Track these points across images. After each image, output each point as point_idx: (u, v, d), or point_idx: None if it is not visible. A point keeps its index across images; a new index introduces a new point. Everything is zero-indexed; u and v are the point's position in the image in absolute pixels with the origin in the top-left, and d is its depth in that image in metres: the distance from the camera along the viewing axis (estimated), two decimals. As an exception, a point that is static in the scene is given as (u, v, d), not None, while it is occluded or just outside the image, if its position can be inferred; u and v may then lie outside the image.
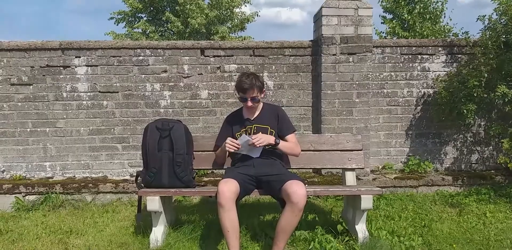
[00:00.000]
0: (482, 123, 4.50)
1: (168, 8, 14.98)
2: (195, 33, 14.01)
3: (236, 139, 2.79)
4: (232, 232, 2.43)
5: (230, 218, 2.44)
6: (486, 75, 3.81)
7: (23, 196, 4.04)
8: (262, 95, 2.89)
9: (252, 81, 2.77)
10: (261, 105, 2.98)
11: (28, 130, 4.30)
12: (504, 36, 3.79)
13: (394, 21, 12.12)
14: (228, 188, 2.47)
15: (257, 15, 15.55)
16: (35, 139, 4.32)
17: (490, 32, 3.92)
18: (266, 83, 4.32)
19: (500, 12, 3.89)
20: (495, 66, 3.78)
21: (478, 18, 4.06)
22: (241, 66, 4.37)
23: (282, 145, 2.83)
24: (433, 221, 3.30)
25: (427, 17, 11.31)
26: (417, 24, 11.17)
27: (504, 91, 3.71)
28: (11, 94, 4.26)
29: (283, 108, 4.21)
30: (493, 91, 3.82)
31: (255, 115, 2.94)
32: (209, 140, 3.23)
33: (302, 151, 3.19)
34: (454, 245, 2.77)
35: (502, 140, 3.83)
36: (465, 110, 3.99)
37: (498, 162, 3.97)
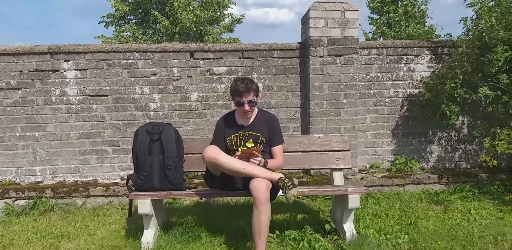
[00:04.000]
0: (466, 122, 4.60)
1: (158, 9, 14.94)
2: (185, 34, 14.00)
3: (227, 143, 2.92)
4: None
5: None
6: (461, 77, 3.92)
7: (13, 201, 4.03)
8: (257, 99, 2.93)
9: (247, 84, 2.80)
10: (255, 110, 3.00)
11: (17, 134, 4.29)
12: (483, 38, 3.88)
13: (379, 20, 12.35)
14: (212, 148, 2.70)
15: (243, 17, 15.68)
16: (25, 143, 4.31)
17: (472, 33, 4.03)
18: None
19: (479, 15, 3.99)
20: (469, 69, 3.88)
21: (461, 20, 4.17)
22: (230, 69, 4.41)
23: (270, 165, 2.84)
24: (419, 218, 3.38)
25: (411, 16, 11.57)
26: (402, 23, 11.40)
27: (486, 93, 3.82)
28: (0, 99, 4.24)
29: (272, 110, 4.31)
30: (475, 92, 3.93)
31: (249, 122, 2.95)
32: (199, 143, 3.27)
33: (291, 152, 3.31)
34: (439, 242, 2.84)
35: (484, 139, 3.93)
36: (448, 112, 4.09)
37: (480, 160, 4.08)
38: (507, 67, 3.83)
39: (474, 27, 4.02)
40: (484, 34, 3.82)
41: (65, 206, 3.98)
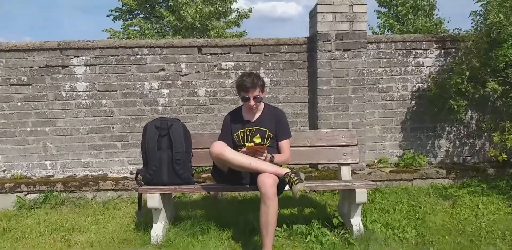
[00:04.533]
0: (475, 116, 4.57)
1: (164, 5, 14.95)
2: (190, 29, 13.98)
3: (235, 139, 2.94)
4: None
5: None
6: (467, 73, 3.90)
7: (25, 195, 4.10)
8: (263, 94, 2.93)
9: (253, 80, 2.80)
10: (262, 105, 3.00)
11: (28, 129, 4.35)
12: (491, 34, 3.84)
13: (387, 14, 12.24)
14: (218, 144, 2.70)
15: (250, 11, 15.60)
16: (35, 138, 4.37)
17: (480, 28, 3.98)
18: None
19: (487, 10, 3.94)
20: (476, 64, 3.85)
21: (470, 14, 4.12)
22: (238, 64, 4.42)
23: (276, 159, 2.85)
24: (427, 213, 3.38)
25: (419, 9, 11.44)
26: (410, 16, 11.29)
27: (494, 87, 3.79)
28: (11, 95, 4.30)
29: (280, 105, 4.32)
30: (484, 87, 3.89)
31: (256, 117, 2.96)
32: (207, 138, 3.30)
33: (299, 147, 3.32)
34: (446, 237, 2.85)
35: (493, 133, 3.91)
36: (455, 106, 4.06)
37: (489, 155, 4.06)
38: None
39: (483, 22, 3.97)
40: (493, 28, 3.77)
41: (75, 200, 4.04)
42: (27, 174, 4.41)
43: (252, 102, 2.83)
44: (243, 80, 2.81)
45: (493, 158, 4.06)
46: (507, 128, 3.82)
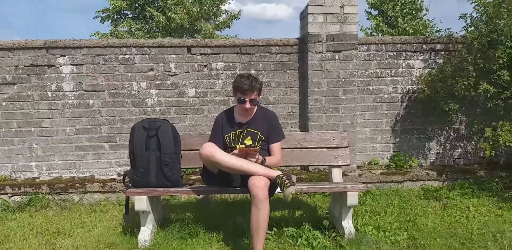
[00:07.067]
0: (465, 119, 4.58)
1: (154, 5, 14.87)
2: (180, 29, 13.92)
3: (226, 140, 2.89)
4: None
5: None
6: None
7: (9, 197, 3.99)
8: (259, 98, 2.88)
9: (252, 83, 2.74)
10: (255, 108, 2.95)
11: (13, 130, 4.25)
12: (487, 35, 3.85)
13: (378, 18, 12.28)
14: (208, 146, 2.66)
15: (240, 13, 15.66)
16: (21, 139, 4.27)
17: (473, 30, 3.99)
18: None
19: (481, 12, 3.95)
20: (469, 68, 3.87)
21: (460, 16, 4.13)
22: (228, 64, 4.37)
23: (268, 162, 2.81)
24: (418, 215, 3.37)
25: (408, 12, 11.50)
26: (399, 20, 11.35)
27: (486, 88, 3.79)
28: (-5, 94, 4.20)
29: (270, 106, 4.29)
30: (475, 89, 3.90)
31: (248, 119, 2.91)
32: (196, 139, 3.24)
33: (289, 148, 3.28)
34: (438, 239, 2.84)
35: (486, 128, 3.90)
36: (447, 109, 4.07)
37: (479, 146, 4.08)
38: (509, 64, 3.81)
39: (479, 22, 3.95)
40: (491, 27, 3.76)
41: (61, 202, 3.95)
42: (12, 175, 4.31)
43: (248, 105, 2.77)
44: (241, 82, 2.74)
45: (483, 153, 4.09)
46: (499, 125, 3.83)
